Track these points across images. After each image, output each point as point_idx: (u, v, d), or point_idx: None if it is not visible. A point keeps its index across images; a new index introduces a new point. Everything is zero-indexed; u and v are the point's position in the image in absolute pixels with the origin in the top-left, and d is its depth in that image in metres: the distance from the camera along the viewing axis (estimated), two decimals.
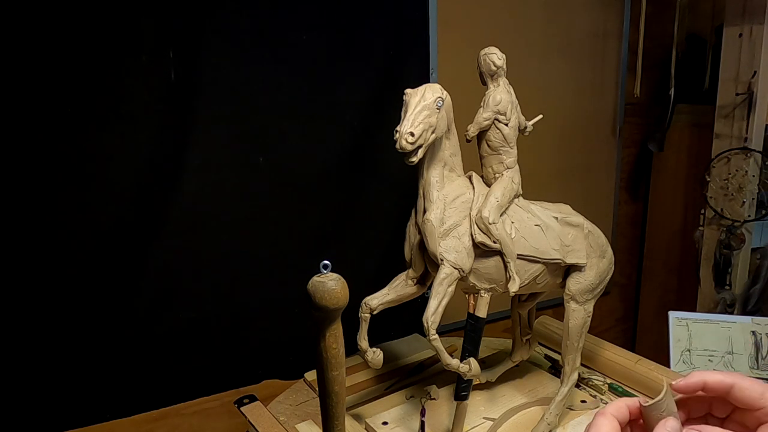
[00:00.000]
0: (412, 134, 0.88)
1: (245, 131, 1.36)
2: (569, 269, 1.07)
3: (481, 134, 1.04)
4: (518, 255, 1.00)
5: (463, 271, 0.96)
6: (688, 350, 1.55)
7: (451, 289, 0.96)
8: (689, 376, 0.50)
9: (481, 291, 1.01)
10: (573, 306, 1.07)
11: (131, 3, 1.20)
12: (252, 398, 1.16)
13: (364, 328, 1.01)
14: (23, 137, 1.16)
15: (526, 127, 1.09)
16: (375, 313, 1.02)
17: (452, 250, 0.96)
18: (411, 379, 1.29)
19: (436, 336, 0.93)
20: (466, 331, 1.02)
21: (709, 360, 1.54)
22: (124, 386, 1.34)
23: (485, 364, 1.24)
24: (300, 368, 1.34)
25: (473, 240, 0.97)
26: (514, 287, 0.99)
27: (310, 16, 1.38)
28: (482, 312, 1.01)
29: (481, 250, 0.98)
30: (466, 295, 1.04)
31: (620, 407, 0.49)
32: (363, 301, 1.02)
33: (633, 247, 2.28)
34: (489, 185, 1.04)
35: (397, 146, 0.88)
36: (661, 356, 1.48)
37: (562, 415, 1.10)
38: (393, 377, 1.29)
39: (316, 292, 0.71)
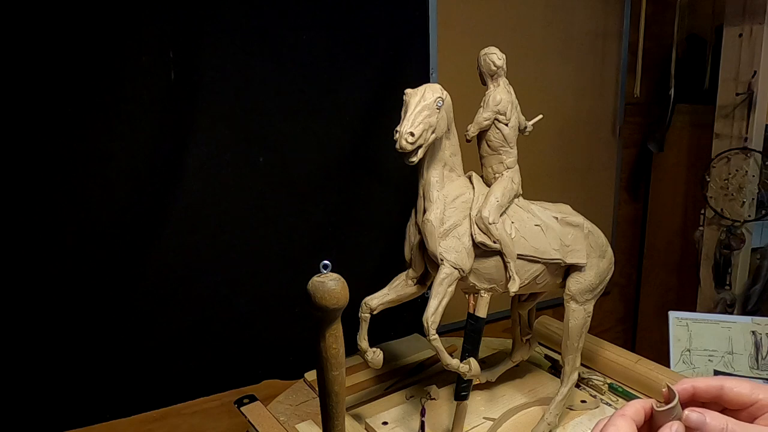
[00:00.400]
0: (412, 134, 0.88)
1: (245, 131, 1.36)
2: (569, 269, 1.08)
3: (481, 134, 1.04)
4: (518, 255, 1.00)
5: (463, 271, 0.97)
6: (688, 350, 1.55)
7: (451, 289, 0.96)
8: (679, 384, 0.51)
9: (481, 291, 1.01)
10: (573, 306, 1.07)
11: (131, 3, 1.19)
12: (252, 398, 1.16)
13: (364, 328, 1.01)
14: (23, 137, 1.16)
15: (526, 128, 1.09)
16: (375, 313, 1.02)
17: (452, 250, 0.96)
18: (411, 379, 1.29)
19: (436, 336, 0.93)
20: (466, 331, 1.02)
21: (709, 360, 1.54)
22: (124, 386, 1.34)
23: (485, 364, 1.24)
24: (300, 368, 1.35)
25: (473, 240, 0.97)
26: (514, 287, 0.99)
27: (310, 16, 1.38)
28: (482, 312, 1.01)
29: (481, 250, 0.98)
30: (466, 295, 1.04)
31: (638, 410, 0.50)
32: (363, 301, 1.02)
33: (633, 247, 2.28)
34: (489, 185, 1.04)
35: (397, 146, 0.88)
36: (661, 356, 1.49)
37: (562, 415, 1.10)
38: (393, 377, 1.29)
39: (316, 292, 0.71)
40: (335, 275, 0.72)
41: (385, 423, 1.11)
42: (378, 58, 1.49)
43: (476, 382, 1.18)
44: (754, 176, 1.69)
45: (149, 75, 1.24)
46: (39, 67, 1.14)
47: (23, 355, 1.23)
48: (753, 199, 1.71)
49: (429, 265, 1.02)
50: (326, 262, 0.71)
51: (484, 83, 1.04)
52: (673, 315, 1.58)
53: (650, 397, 0.49)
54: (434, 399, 1.19)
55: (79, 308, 1.26)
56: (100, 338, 1.29)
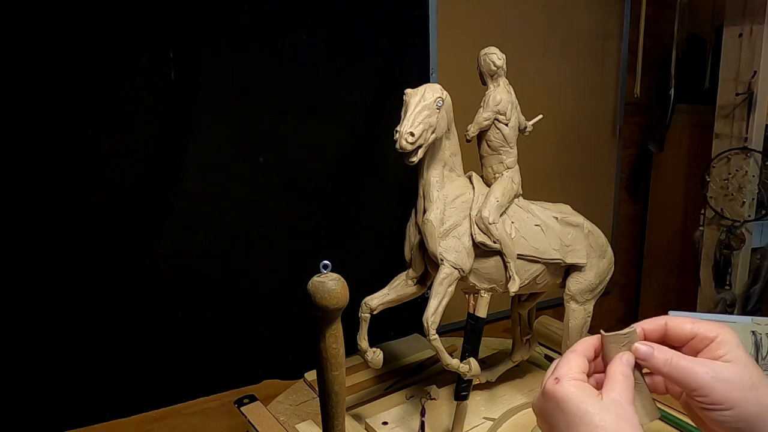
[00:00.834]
0: (412, 134, 0.88)
1: (245, 131, 1.36)
2: (569, 269, 1.07)
3: (481, 134, 1.04)
4: (518, 255, 1.00)
5: (463, 271, 0.96)
6: None
7: (451, 289, 0.96)
8: (629, 327, 0.54)
9: (481, 291, 1.01)
10: (573, 306, 1.07)
11: (131, 3, 1.19)
12: (252, 398, 1.16)
13: (364, 328, 1.01)
14: (23, 137, 1.16)
15: (526, 128, 1.09)
16: (375, 313, 1.02)
17: (452, 250, 0.96)
18: (411, 379, 1.29)
19: (436, 336, 0.93)
20: (466, 331, 1.02)
21: None
22: (124, 386, 1.34)
23: (485, 364, 1.24)
24: (300, 368, 1.34)
25: (473, 240, 0.97)
26: (514, 287, 0.99)
27: (310, 16, 1.38)
28: (482, 312, 1.01)
29: (481, 250, 0.98)
30: (466, 295, 1.04)
31: (588, 346, 0.55)
32: (363, 301, 1.02)
33: (633, 247, 2.28)
34: (489, 185, 1.04)
35: (397, 146, 0.88)
36: None
37: None
38: (393, 377, 1.29)
39: (316, 292, 0.71)
40: (335, 275, 0.72)
41: (385, 423, 1.11)
42: (378, 58, 1.49)
43: (476, 382, 1.18)
44: (754, 176, 1.69)
45: (149, 75, 1.24)
46: (39, 67, 1.14)
47: (23, 355, 1.23)
48: (753, 199, 1.71)
49: (429, 265, 1.02)
50: (326, 262, 0.71)
51: (484, 83, 1.04)
52: (673, 315, 1.58)
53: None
54: (434, 399, 1.19)
55: (79, 308, 1.26)
56: (100, 338, 1.29)
